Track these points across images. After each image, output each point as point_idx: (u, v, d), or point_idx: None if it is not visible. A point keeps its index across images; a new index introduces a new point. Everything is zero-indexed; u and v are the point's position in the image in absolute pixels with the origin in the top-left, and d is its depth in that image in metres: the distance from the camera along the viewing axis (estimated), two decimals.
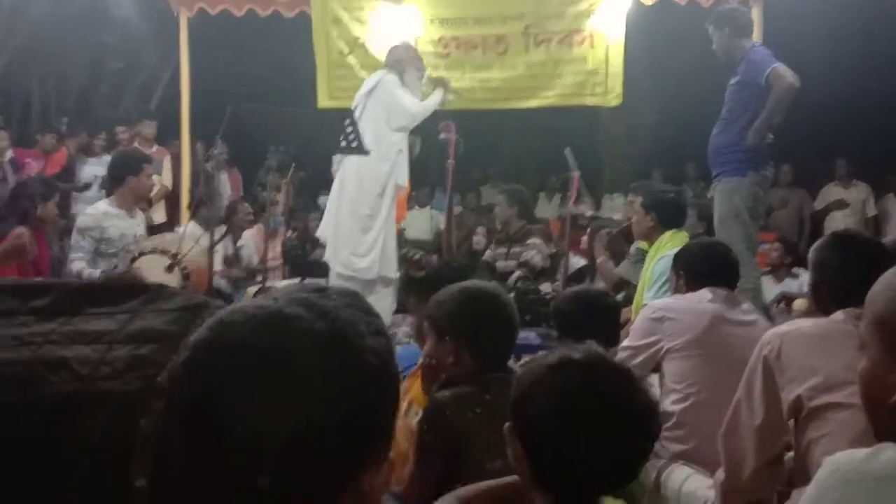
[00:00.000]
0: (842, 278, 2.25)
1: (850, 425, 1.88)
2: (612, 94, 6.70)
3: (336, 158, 5.71)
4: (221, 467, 0.87)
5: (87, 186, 7.68)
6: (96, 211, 5.18)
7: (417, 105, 5.57)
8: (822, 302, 2.36)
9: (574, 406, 1.40)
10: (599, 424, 1.38)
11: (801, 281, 7.10)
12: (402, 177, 5.63)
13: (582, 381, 1.43)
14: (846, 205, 8.76)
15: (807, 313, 6.40)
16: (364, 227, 5.53)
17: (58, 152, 8.16)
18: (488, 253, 6.65)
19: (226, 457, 0.86)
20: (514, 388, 1.50)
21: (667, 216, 4.53)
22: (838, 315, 2.17)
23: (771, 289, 7.04)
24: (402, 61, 5.70)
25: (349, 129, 4.85)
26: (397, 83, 5.56)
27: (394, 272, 5.69)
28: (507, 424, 1.48)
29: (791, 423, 2.15)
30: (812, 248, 2.46)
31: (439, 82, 5.81)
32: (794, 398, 2.08)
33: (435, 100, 5.66)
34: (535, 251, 6.23)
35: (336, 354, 0.89)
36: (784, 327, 2.27)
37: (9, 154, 7.80)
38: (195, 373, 0.89)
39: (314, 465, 0.87)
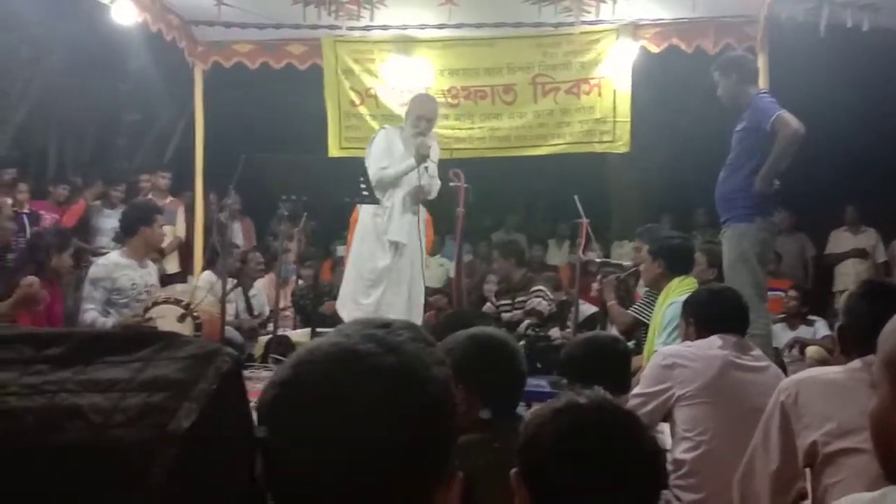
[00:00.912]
0: (867, 325, 2.25)
1: (866, 471, 1.87)
2: (619, 141, 6.77)
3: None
4: (300, 499, 0.94)
5: (104, 252, 7.71)
6: (108, 261, 5.24)
7: (379, 171, 5.35)
8: (846, 346, 2.35)
9: (579, 449, 1.39)
10: (604, 468, 1.38)
11: (816, 328, 7.08)
12: (395, 232, 5.44)
13: (587, 425, 1.43)
14: (866, 254, 8.72)
15: (823, 360, 6.37)
16: (359, 276, 5.49)
17: (75, 204, 8.24)
18: (488, 305, 6.65)
19: (304, 488, 0.94)
20: (522, 432, 1.50)
21: (675, 262, 4.54)
22: (856, 363, 2.17)
23: (786, 335, 7.03)
24: (407, 114, 5.67)
25: (362, 178, 4.90)
26: (378, 144, 5.51)
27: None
28: (513, 470, 1.48)
29: (808, 471, 2.14)
30: (845, 296, 2.47)
31: (419, 147, 5.37)
32: (810, 444, 2.07)
33: (400, 169, 5.42)
34: (540, 298, 6.24)
35: (406, 387, 0.96)
36: (801, 374, 2.28)
37: (26, 207, 7.91)
38: (280, 411, 0.98)
39: (391, 490, 0.94)
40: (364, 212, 5.46)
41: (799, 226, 9.21)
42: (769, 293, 5.37)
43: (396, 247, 5.47)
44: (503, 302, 6.52)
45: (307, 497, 0.94)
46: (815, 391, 2.14)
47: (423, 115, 5.55)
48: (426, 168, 5.41)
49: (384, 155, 5.46)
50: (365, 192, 4.91)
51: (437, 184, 5.64)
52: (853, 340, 2.30)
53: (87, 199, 8.28)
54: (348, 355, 0.97)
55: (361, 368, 0.96)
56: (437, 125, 7.01)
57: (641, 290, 5.45)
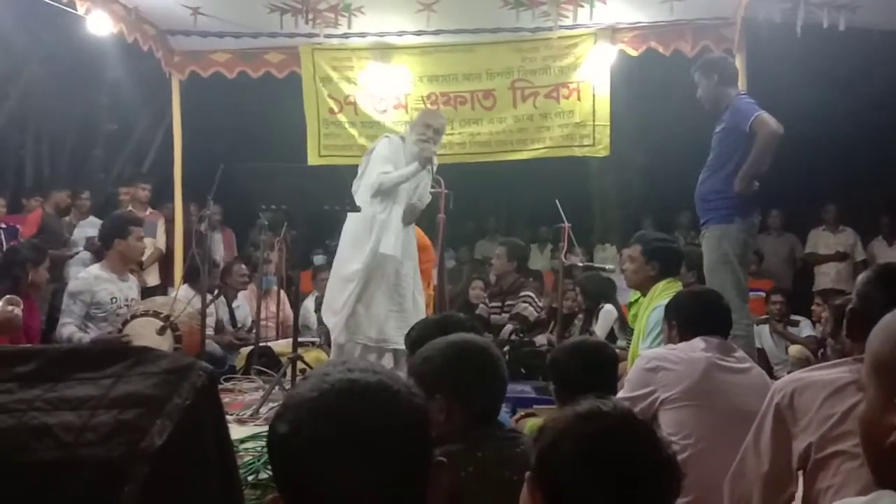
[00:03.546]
0: (879, 311, 2.21)
1: (859, 475, 1.85)
2: (599, 145, 6.77)
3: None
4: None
5: (75, 253, 7.65)
6: (88, 275, 5.18)
7: (381, 175, 5.25)
8: (855, 331, 2.30)
9: (601, 456, 1.40)
10: (624, 476, 1.38)
11: (801, 328, 7.14)
12: (386, 245, 5.25)
13: (611, 432, 1.43)
14: (847, 257, 8.76)
15: (806, 360, 6.38)
16: (340, 287, 5.30)
17: (31, 213, 8.13)
18: (482, 307, 6.65)
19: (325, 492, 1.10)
20: (540, 436, 1.49)
21: (669, 265, 4.48)
22: (850, 364, 2.15)
23: (771, 336, 7.08)
24: (414, 124, 5.52)
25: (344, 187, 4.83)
26: (381, 151, 5.37)
27: (377, 340, 5.23)
28: (528, 473, 1.47)
29: (800, 473, 2.12)
30: (860, 278, 2.42)
31: (423, 150, 5.30)
32: (805, 447, 2.05)
33: (403, 172, 5.29)
34: (527, 304, 6.23)
35: (398, 400, 1.17)
36: (796, 375, 2.24)
37: (2, 222, 7.82)
38: (296, 440, 1.12)
39: (399, 486, 1.11)
40: (350, 220, 5.35)
41: (786, 225, 9.22)
42: (751, 294, 5.37)
43: (381, 257, 5.26)
44: (493, 304, 6.52)
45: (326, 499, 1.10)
46: (811, 393, 2.11)
47: (430, 123, 5.44)
48: (430, 171, 5.33)
49: (386, 161, 5.32)
50: (347, 202, 4.84)
51: (429, 198, 5.51)
52: (864, 325, 2.27)
53: (45, 207, 8.17)
54: (345, 384, 1.15)
55: (360, 390, 1.15)
56: None
57: (623, 293, 5.42)
